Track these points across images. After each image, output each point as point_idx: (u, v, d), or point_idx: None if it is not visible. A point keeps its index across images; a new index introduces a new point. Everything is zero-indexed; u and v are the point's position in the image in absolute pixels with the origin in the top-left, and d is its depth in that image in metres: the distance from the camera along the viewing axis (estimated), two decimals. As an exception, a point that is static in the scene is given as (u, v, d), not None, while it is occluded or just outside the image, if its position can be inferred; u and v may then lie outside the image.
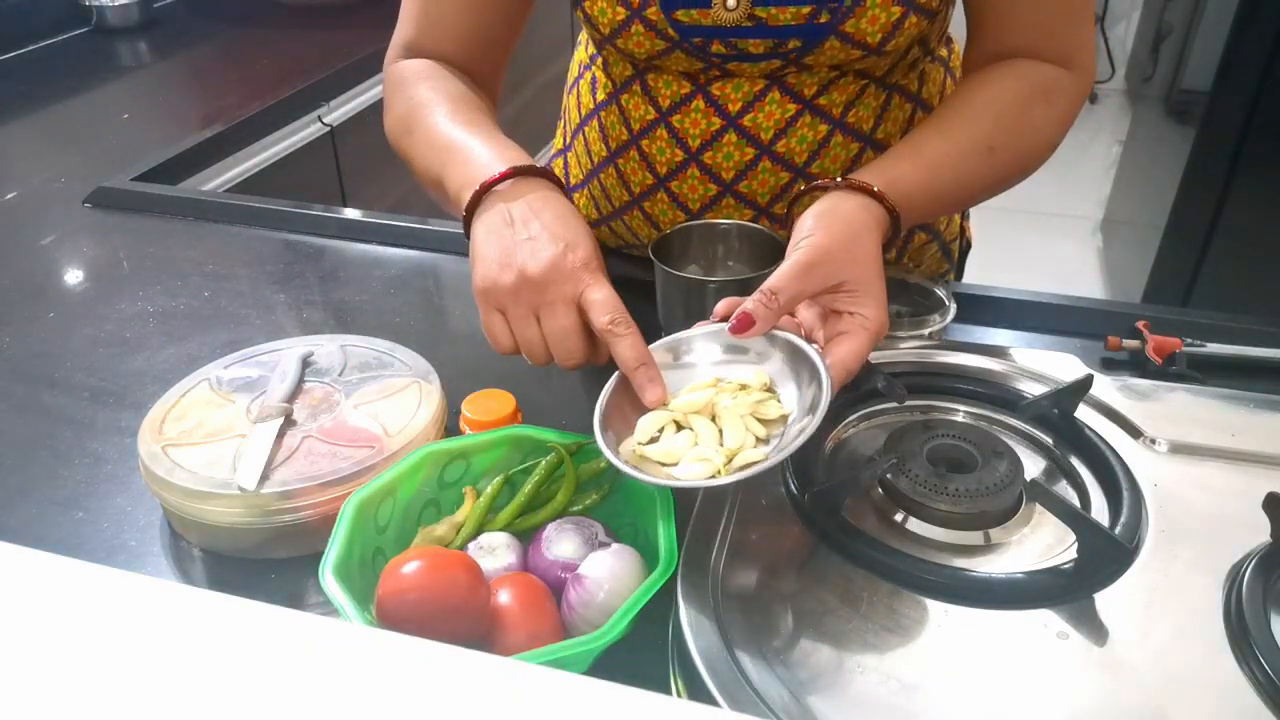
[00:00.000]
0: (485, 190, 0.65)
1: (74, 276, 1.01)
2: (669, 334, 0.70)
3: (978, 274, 0.99)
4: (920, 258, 0.93)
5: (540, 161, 0.67)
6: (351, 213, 1.08)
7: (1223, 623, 0.48)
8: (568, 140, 0.96)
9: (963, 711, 0.45)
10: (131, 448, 0.67)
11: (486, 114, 0.75)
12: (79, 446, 0.74)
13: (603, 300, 0.59)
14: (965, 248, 1.01)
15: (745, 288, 0.69)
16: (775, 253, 0.76)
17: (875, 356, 0.66)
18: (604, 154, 0.88)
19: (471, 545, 0.58)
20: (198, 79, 1.72)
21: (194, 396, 0.70)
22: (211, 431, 0.67)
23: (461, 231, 1.03)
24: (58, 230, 1.10)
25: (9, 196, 1.20)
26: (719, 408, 0.57)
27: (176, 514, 0.63)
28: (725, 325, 0.59)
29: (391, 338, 0.77)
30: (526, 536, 0.60)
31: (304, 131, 1.60)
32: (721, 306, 0.61)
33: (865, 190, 0.64)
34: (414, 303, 0.93)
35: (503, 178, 0.65)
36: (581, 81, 0.91)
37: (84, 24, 1.86)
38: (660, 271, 0.75)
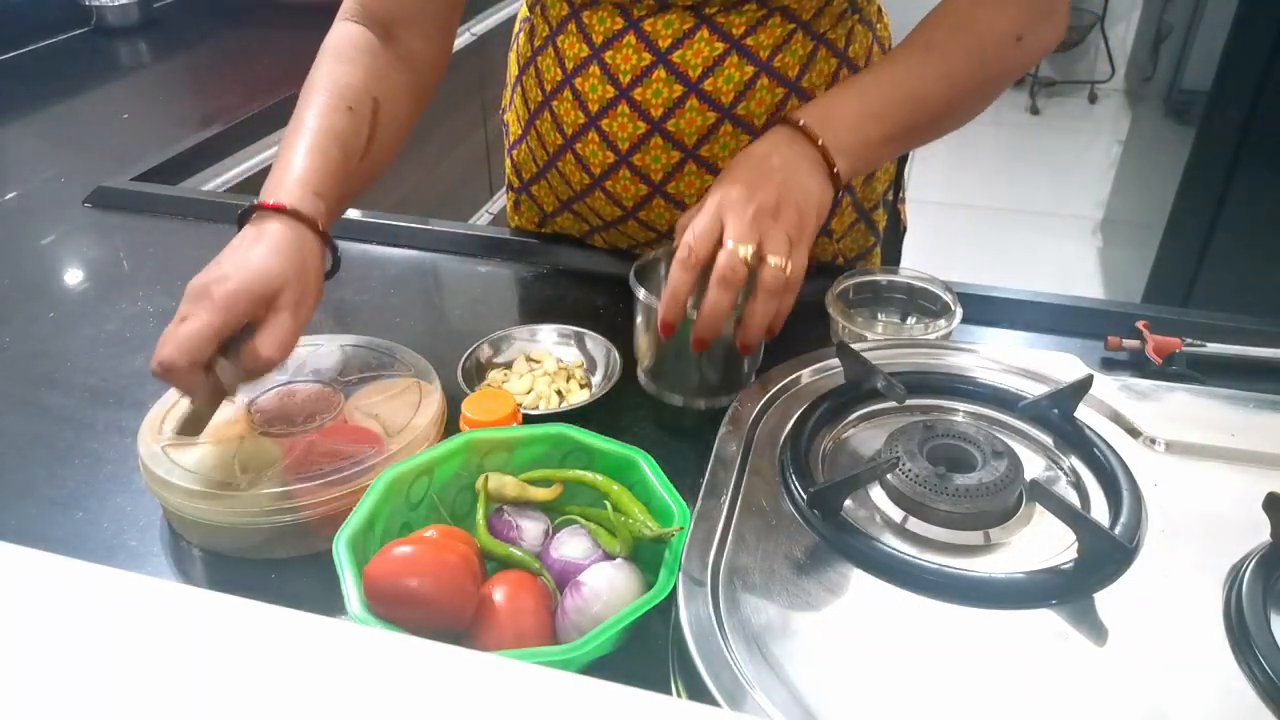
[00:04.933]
0: (248, 215, 0.69)
1: (74, 276, 1.01)
2: (643, 367, 0.77)
3: (979, 274, 0.99)
4: (844, 231, 0.95)
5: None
6: (352, 213, 1.08)
7: (1223, 623, 0.48)
8: (509, 99, 0.98)
9: (963, 711, 0.45)
10: (131, 448, 0.67)
11: (349, 115, 0.75)
12: (79, 446, 0.74)
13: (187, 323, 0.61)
14: (901, 230, 1.02)
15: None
16: None
17: (876, 357, 0.66)
18: (539, 99, 0.90)
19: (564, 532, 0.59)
20: (198, 79, 1.72)
21: (194, 396, 0.70)
22: (211, 431, 0.66)
23: (462, 232, 1.04)
24: (58, 230, 1.10)
25: (9, 196, 1.20)
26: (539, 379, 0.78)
27: (176, 514, 0.63)
28: None
29: (391, 338, 0.77)
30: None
31: (304, 131, 1.59)
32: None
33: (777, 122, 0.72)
34: (414, 303, 0.93)
35: (266, 207, 0.68)
36: (521, 34, 0.93)
37: (84, 24, 1.86)
38: (642, 303, 0.72)
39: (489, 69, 2.19)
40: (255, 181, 1.48)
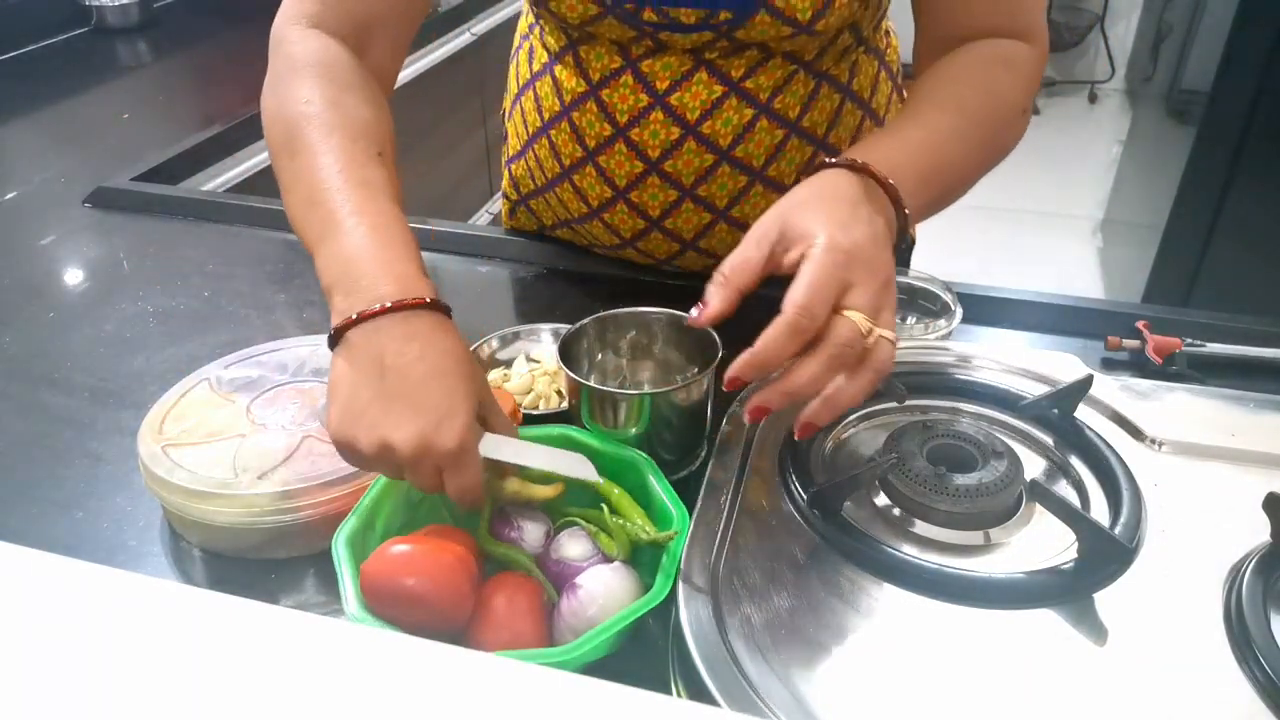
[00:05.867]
0: (361, 320, 0.55)
1: (74, 276, 1.01)
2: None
3: (979, 274, 0.99)
4: None
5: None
6: (351, 213, 1.08)
7: (1223, 623, 0.48)
8: (509, 110, 0.96)
9: (963, 711, 0.45)
10: (131, 448, 0.67)
11: (381, 162, 0.65)
12: (79, 446, 0.74)
13: (460, 488, 0.54)
14: (908, 243, 1.00)
15: (662, 400, 0.62)
16: (709, 347, 0.65)
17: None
18: (538, 124, 0.88)
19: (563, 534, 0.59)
20: (198, 79, 1.72)
21: (194, 396, 0.70)
22: (211, 431, 0.67)
23: (462, 232, 1.04)
24: (58, 230, 1.10)
25: (9, 196, 1.20)
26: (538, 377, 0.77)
27: (176, 514, 0.63)
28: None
29: (391, 338, 0.77)
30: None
31: (304, 131, 1.59)
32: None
33: (827, 166, 0.61)
34: (414, 303, 0.93)
35: (384, 312, 0.55)
36: (520, 52, 0.92)
37: (84, 24, 1.86)
38: (572, 382, 0.64)
39: (489, 69, 2.20)
40: (255, 181, 1.48)
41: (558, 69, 0.83)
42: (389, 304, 0.55)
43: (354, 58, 0.70)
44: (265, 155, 1.50)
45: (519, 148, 0.94)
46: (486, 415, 0.58)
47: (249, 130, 1.48)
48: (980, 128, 0.69)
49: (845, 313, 0.52)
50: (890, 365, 0.53)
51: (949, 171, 0.66)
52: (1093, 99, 4.20)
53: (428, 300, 0.56)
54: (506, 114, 0.97)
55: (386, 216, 0.61)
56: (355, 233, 0.59)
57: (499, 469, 0.59)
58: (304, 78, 0.67)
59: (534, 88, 0.88)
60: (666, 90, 0.79)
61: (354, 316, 0.55)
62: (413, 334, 0.55)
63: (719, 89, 0.78)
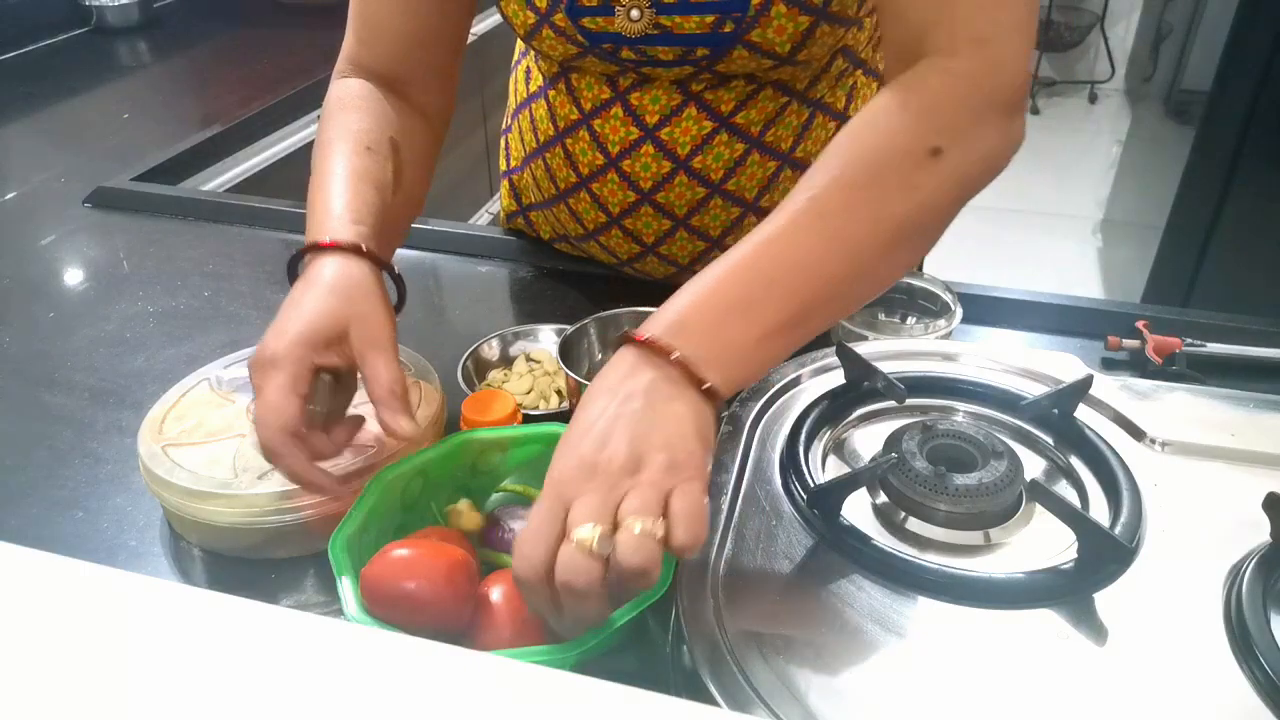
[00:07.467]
0: (295, 267, 0.64)
1: (74, 276, 1.01)
2: None
3: (979, 274, 0.99)
4: None
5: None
6: (351, 213, 1.08)
7: (1223, 623, 0.48)
8: (508, 122, 0.96)
9: (963, 711, 0.45)
10: (131, 448, 0.67)
11: (376, 153, 0.70)
12: (79, 446, 0.74)
13: (264, 431, 0.56)
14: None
15: None
16: None
17: (876, 357, 0.66)
18: (535, 145, 0.89)
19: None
20: (198, 79, 1.72)
21: (194, 396, 0.70)
22: (211, 431, 0.67)
23: (462, 232, 1.04)
24: (58, 230, 1.10)
25: (9, 196, 1.20)
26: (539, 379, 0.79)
27: (176, 514, 0.63)
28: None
29: (391, 338, 0.77)
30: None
31: (304, 131, 1.60)
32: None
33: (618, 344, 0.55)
34: (414, 303, 0.93)
35: (306, 252, 0.63)
36: (519, 68, 0.92)
37: (84, 24, 1.86)
38: (567, 377, 0.69)
39: (489, 69, 2.19)
40: (255, 182, 1.48)
41: (551, 94, 0.84)
42: (291, 255, 0.64)
43: (379, 90, 0.76)
44: (265, 155, 1.51)
45: (518, 163, 0.94)
46: (360, 351, 0.59)
47: (249, 130, 1.48)
48: (848, 203, 0.56)
49: (563, 546, 0.47)
50: (642, 557, 0.46)
51: (800, 279, 0.55)
52: (1093, 99, 4.20)
53: (311, 245, 0.63)
54: (506, 126, 0.97)
55: (340, 190, 0.66)
56: (310, 203, 0.67)
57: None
58: (326, 118, 0.75)
59: (530, 108, 0.88)
60: (656, 125, 0.78)
61: (288, 268, 0.65)
62: (302, 276, 0.63)
63: (709, 125, 0.77)
